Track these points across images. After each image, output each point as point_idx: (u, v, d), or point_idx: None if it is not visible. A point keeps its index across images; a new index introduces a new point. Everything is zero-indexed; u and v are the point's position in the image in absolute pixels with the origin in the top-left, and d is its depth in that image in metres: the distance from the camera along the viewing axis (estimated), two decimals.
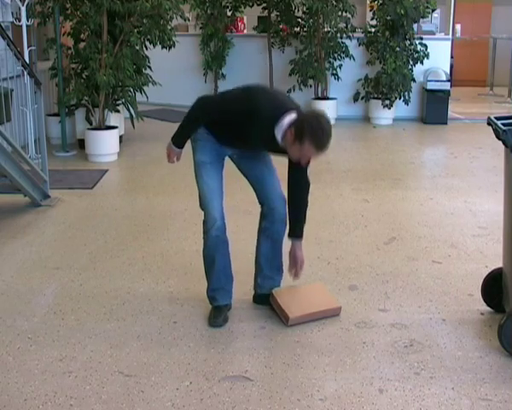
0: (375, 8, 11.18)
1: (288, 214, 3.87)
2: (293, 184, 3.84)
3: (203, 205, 3.84)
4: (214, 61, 11.89)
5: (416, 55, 11.03)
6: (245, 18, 12.79)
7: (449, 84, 11.25)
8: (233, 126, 3.59)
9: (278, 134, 3.51)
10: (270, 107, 3.49)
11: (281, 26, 11.71)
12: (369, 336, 3.80)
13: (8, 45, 6.34)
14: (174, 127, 3.75)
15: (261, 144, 3.71)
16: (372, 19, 11.34)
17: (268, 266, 4.08)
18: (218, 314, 3.95)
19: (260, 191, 3.93)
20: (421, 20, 11.18)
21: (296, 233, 3.90)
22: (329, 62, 11.35)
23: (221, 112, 3.67)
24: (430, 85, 11.16)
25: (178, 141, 3.85)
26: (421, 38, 11.11)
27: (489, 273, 4.11)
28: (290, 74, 11.27)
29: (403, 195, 6.83)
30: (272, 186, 3.90)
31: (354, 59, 11.31)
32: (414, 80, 11.06)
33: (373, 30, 11.29)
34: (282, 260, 4.12)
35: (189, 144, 3.88)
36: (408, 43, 11.04)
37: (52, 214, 6.17)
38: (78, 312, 4.12)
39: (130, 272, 4.76)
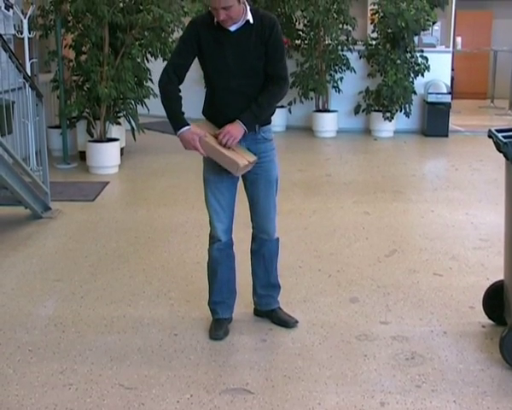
0: (375, 21, 11.20)
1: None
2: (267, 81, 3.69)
3: (209, 221, 3.86)
4: None
5: (416, 68, 11.06)
6: None
7: (450, 96, 11.27)
8: (203, 58, 3.62)
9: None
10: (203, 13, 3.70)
11: None
12: (370, 348, 3.80)
13: (10, 57, 6.37)
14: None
15: (233, 49, 3.59)
16: (373, 31, 11.37)
17: (262, 285, 4.08)
18: (218, 327, 3.94)
19: (253, 212, 3.93)
20: (421, 32, 11.22)
21: (242, 115, 3.60)
22: (330, 75, 11.38)
23: (176, 56, 3.69)
24: (431, 98, 11.18)
25: (175, 124, 3.68)
26: (422, 51, 11.14)
27: (490, 286, 4.10)
28: (291, 87, 11.28)
29: (404, 207, 6.83)
30: (264, 210, 3.88)
31: (355, 71, 11.34)
32: (415, 93, 11.07)
33: (374, 42, 11.32)
34: (277, 276, 4.12)
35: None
36: (409, 55, 11.07)
37: (53, 226, 6.17)
38: (79, 324, 4.11)
39: (131, 284, 4.76)
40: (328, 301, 4.44)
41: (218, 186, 3.77)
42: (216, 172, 3.72)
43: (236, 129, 3.58)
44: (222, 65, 3.58)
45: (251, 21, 3.56)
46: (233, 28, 3.56)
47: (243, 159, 3.58)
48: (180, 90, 3.69)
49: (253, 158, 3.66)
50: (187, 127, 3.62)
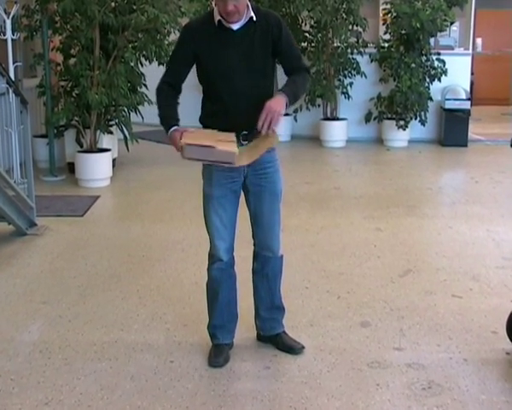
0: (388, 22, 11.25)
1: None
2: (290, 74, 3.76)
3: (210, 239, 3.86)
4: None
5: (433, 72, 11.09)
6: None
7: (469, 103, 11.29)
8: (203, 63, 3.63)
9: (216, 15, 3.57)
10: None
11: None
12: (383, 377, 3.78)
13: None
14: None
15: (236, 47, 3.61)
16: (385, 33, 11.41)
17: (265, 307, 4.08)
18: (218, 353, 3.93)
19: (255, 227, 3.92)
20: (438, 33, 11.26)
21: (281, 89, 3.63)
22: (339, 80, 11.42)
23: (171, 65, 3.78)
24: (448, 104, 11.20)
25: (165, 127, 3.70)
26: (439, 54, 11.18)
27: None
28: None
29: (419, 223, 6.83)
30: (268, 225, 3.88)
31: (366, 76, 11.38)
32: (431, 99, 11.10)
33: (386, 45, 11.37)
34: (281, 298, 4.12)
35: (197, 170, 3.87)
36: (424, 58, 11.10)
37: (39, 244, 6.18)
38: (67, 350, 4.11)
39: (124, 306, 4.75)
40: (337, 325, 4.43)
41: (222, 202, 3.76)
42: (219, 185, 3.72)
43: (277, 101, 3.51)
44: (226, 66, 3.59)
45: (254, 19, 3.59)
46: (235, 27, 3.58)
47: (235, 147, 3.50)
48: (176, 98, 3.75)
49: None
50: (174, 127, 3.65)
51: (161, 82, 3.75)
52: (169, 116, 3.71)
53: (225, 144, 3.44)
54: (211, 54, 3.60)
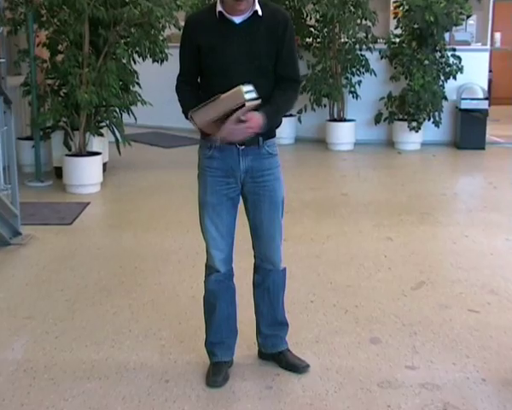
0: (399, 16, 11.26)
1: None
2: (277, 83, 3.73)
3: (206, 249, 3.86)
4: None
5: (447, 70, 11.10)
6: None
7: (487, 102, 11.30)
8: (203, 56, 3.64)
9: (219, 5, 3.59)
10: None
11: None
12: (394, 398, 3.78)
13: None
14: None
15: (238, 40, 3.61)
16: (396, 27, 11.42)
17: (267, 323, 4.07)
18: (217, 372, 3.93)
19: (255, 238, 3.91)
20: (453, 28, 11.25)
21: (265, 108, 3.55)
22: (347, 78, 11.43)
23: (181, 63, 3.77)
24: (465, 104, 11.21)
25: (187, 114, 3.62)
26: (454, 50, 11.19)
27: None
28: (301, 92, 11.33)
29: (433, 232, 6.83)
30: (268, 236, 3.87)
31: (375, 74, 11.39)
32: (445, 98, 11.11)
33: (397, 40, 11.38)
34: (284, 312, 4.12)
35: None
36: (438, 55, 11.12)
37: (23, 254, 6.18)
38: (53, 369, 4.10)
39: (115, 322, 4.75)
40: (344, 341, 4.42)
41: (217, 209, 3.77)
42: (214, 191, 3.73)
43: (257, 122, 3.51)
44: (223, 61, 3.59)
45: (259, 13, 3.59)
46: (238, 20, 3.58)
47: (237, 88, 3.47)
48: (196, 92, 3.75)
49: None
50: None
51: (178, 82, 3.80)
52: (188, 106, 3.65)
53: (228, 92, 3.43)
54: (209, 46, 3.61)
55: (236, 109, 3.40)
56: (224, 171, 3.70)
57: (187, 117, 3.60)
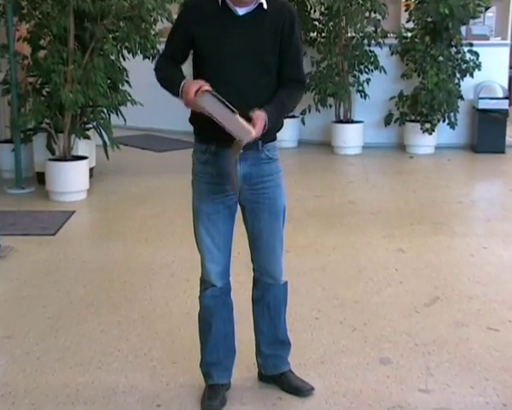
0: (411, 8, 11.30)
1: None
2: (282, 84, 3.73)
3: (201, 262, 3.85)
4: None
5: (464, 66, 11.11)
6: None
7: (507, 102, 11.30)
8: (198, 47, 3.63)
9: None
10: None
11: None
12: None
13: None
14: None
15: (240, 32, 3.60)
16: (408, 21, 11.45)
17: (267, 343, 4.07)
18: (213, 396, 3.92)
19: (254, 250, 3.91)
20: (470, 21, 11.26)
21: (267, 107, 3.56)
22: (354, 76, 11.46)
23: (168, 45, 3.76)
24: (483, 104, 11.21)
25: (175, 83, 3.57)
26: (471, 45, 11.20)
27: None
28: (305, 91, 11.32)
29: (448, 243, 6.83)
30: (268, 247, 3.86)
31: (385, 72, 11.41)
32: (462, 98, 11.12)
33: (409, 35, 11.39)
34: (286, 330, 4.11)
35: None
36: (454, 50, 11.13)
37: (2, 268, 6.18)
38: (34, 393, 4.09)
39: (103, 341, 4.75)
40: (352, 362, 4.42)
41: (213, 218, 3.76)
42: (210, 199, 3.72)
43: (260, 126, 3.48)
44: (223, 55, 3.57)
45: (264, 6, 3.59)
46: (241, 11, 3.57)
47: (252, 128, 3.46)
48: (179, 67, 3.73)
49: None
50: (187, 79, 3.58)
51: (158, 61, 3.79)
52: (177, 76, 3.62)
53: (244, 121, 3.41)
54: (207, 37, 3.59)
55: (234, 135, 3.41)
56: (221, 177, 3.68)
57: (177, 86, 3.53)
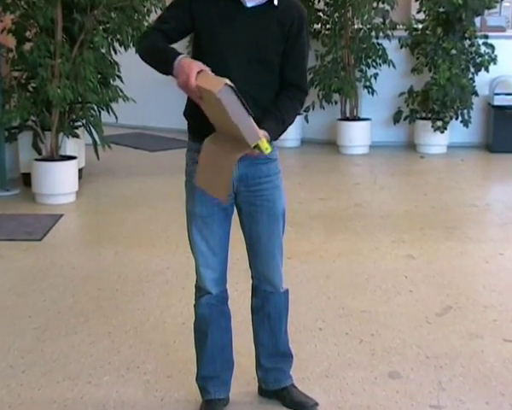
0: None
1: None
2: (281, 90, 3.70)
3: (195, 269, 3.85)
4: None
5: (478, 60, 11.09)
6: None
7: None
8: (198, 37, 3.61)
9: None
10: None
11: None
12: None
13: None
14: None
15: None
16: (419, 11, 11.46)
17: (268, 355, 4.06)
18: None
19: (252, 256, 3.90)
20: (485, 11, 11.25)
21: (267, 123, 3.51)
22: (361, 71, 11.45)
23: (166, 16, 3.71)
24: (498, 100, 11.21)
25: (168, 54, 3.53)
26: (487, 37, 11.17)
27: None
28: (309, 86, 11.32)
29: (461, 249, 6.83)
30: (267, 253, 3.86)
31: (394, 66, 11.40)
32: (476, 94, 11.11)
33: (420, 26, 11.38)
34: (288, 342, 4.11)
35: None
36: (468, 43, 11.12)
37: None
38: None
39: (92, 353, 4.75)
40: (358, 375, 4.42)
41: (207, 221, 3.75)
42: (204, 201, 3.71)
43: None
44: (223, 48, 3.55)
45: (275, 2, 3.56)
46: (250, 3, 3.55)
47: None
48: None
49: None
50: (184, 55, 3.52)
51: (149, 30, 3.75)
52: (171, 50, 3.56)
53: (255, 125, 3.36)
54: (209, 26, 3.56)
55: (243, 139, 3.33)
56: None
57: (166, 67, 3.50)
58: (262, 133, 3.31)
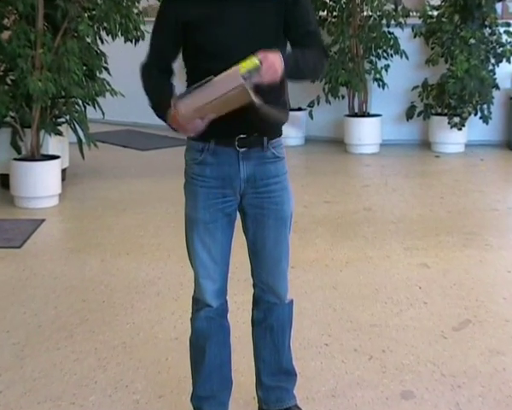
0: None
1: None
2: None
3: (194, 279, 3.85)
4: None
5: (499, 50, 11.11)
6: None
7: None
8: (191, 31, 3.58)
9: None
10: None
11: None
12: None
13: None
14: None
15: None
16: None
17: (269, 373, 4.05)
18: None
19: (256, 263, 3.89)
20: None
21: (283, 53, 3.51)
22: (371, 62, 11.47)
23: (154, 38, 3.74)
24: None
25: (162, 111, 3.57)
26: (508, 25, 11.18)
27: None
28: (313, 80, 11.33)
29: (481, 257, 6.84)
30: (273, 260, 3.86)
31: (407, 57, 11.42)
32: (497, 87, 11.12)
33: (435, 13, 11.39)
34: (291, 358, 4.09)
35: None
36: (488, 31, 11.12)
37: None
38: None
39: (77, 371, 4.75)
40: (368, 396, 4.42)
41: (210, 228, 3.74)
42: (207, 206, 3.70)
43: (278, 62, 3.41)
44: (221, 39, 3.54)
45: None
46: None
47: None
48: (168, 80, 3.73)
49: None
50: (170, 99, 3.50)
51: (144, 64, 3.74)
52: (164, 100, 3.55)
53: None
54: (200, 21, 3.56)
55: (234, 91, 3.29)
56: (220, 180, 3.67)
57: (157, 112, 3.58)
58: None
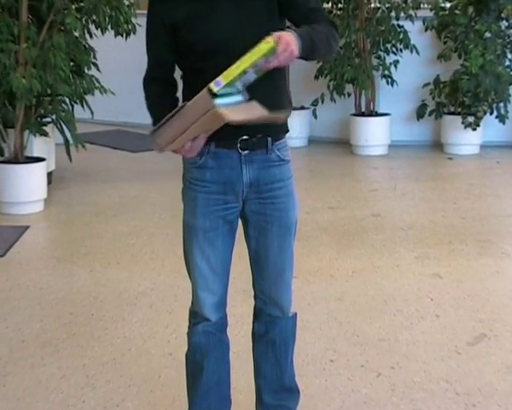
0: None
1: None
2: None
3: (192, 290, 3.84)
4: None
5: None
6: None
7: None
8: (181, 32, 3.58)
9: None
10: None
11: None
12: None
13: None
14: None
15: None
16: None
17: (271, 390, 4.04)
18: None
19: (257, 273, 3.89)
20: None
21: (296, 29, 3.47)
22: (379, 57, 11.47)
23: (149, 47, 3.74)
24: None
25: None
26: None
27: None
28: (317, 77, 11.36)
29: (497, 266, 6.84)
30: (276, 271, 3.85)
31: (418, 52, 11.42)
32: None
33: (448, 5, 11.40)
34: (294, 375, 4.09)
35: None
36: (504, 25, 11.12)
37: None
38: None
39: (64, 389, 4.75)
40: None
41: (211, 237, 3.73)
42: (207, 213, 3.69)
43: (294, 41, 3.33)
44: (212, 36, 3.55)
45: None
46: None
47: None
48: (171, 93, 3.75)
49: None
50: None
51: (145, 77, 3.77)
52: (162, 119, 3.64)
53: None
54: (188, 19, 3.56)
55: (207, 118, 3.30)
56: (221, 185, 3.66)
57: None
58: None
